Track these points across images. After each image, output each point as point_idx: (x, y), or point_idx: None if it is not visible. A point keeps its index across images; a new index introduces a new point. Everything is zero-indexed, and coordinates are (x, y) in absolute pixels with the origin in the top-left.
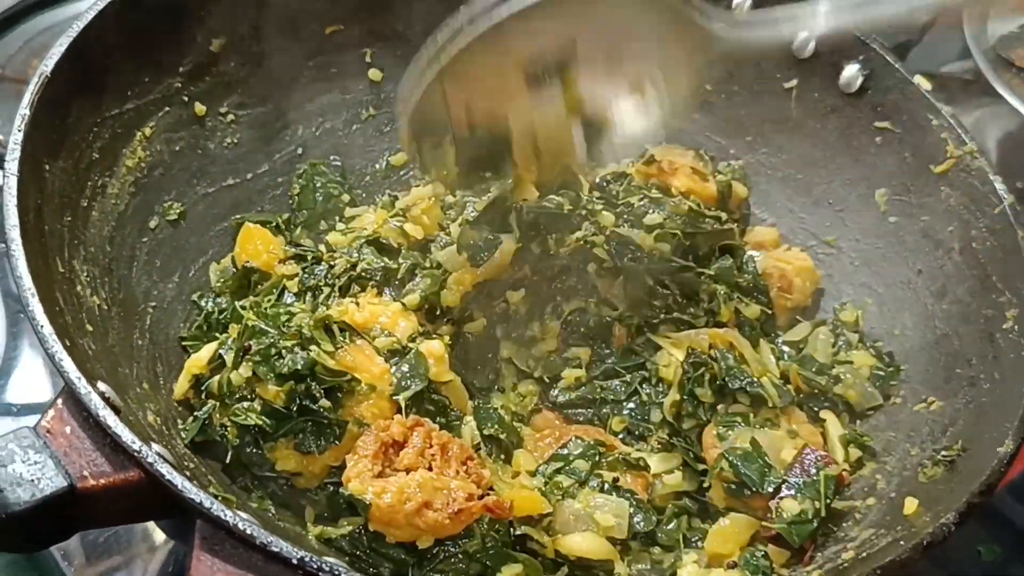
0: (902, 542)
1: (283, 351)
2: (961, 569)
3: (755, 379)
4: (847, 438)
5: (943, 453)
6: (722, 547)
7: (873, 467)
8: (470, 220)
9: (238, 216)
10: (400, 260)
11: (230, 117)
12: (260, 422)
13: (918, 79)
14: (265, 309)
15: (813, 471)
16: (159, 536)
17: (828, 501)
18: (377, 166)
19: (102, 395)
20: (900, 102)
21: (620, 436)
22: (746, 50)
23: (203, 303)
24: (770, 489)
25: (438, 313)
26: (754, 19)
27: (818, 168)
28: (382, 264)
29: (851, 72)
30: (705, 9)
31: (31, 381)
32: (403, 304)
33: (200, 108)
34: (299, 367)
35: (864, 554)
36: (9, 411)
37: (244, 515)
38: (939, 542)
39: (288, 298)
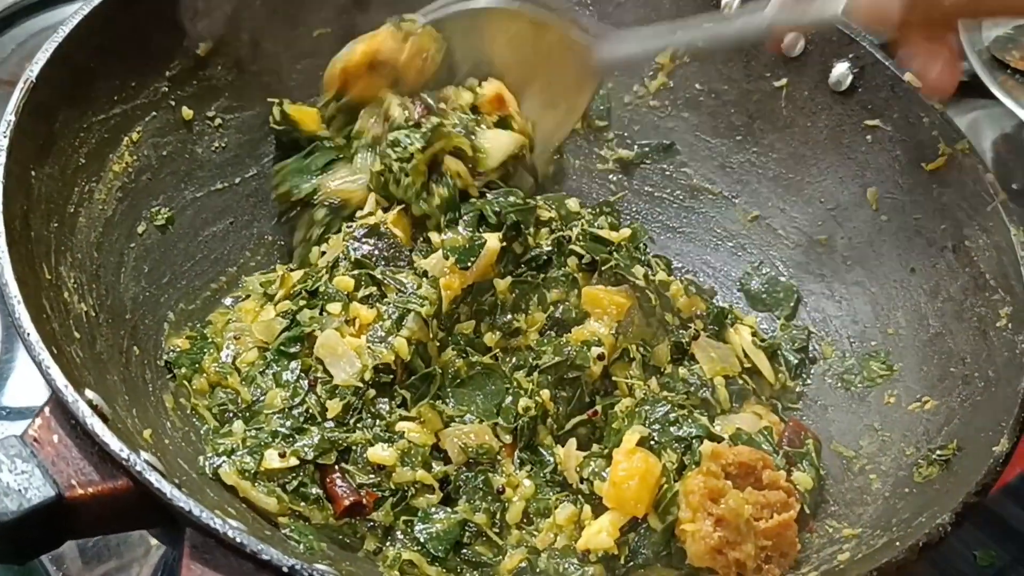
0: (898, 543)
1: None
2: (957, 570)
3: (708, 380)
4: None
5: (938, 452)
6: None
7: (868, 468)
8: (449, 224)
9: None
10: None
11: (218, 121)
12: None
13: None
14: None
15: (799, 443)
16: (155, 541)
17: (821, 467)
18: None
19: (90, 403)
20: (891, 100)
21: None
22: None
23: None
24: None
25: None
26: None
27: (809, 166)
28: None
29: (841, 70)
30: (589, 28)
31: (27, 385)
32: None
33: (187, 112)
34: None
35: (860, 555)
36: (2, 415)
37: (234, 523)
38: (935, 543)
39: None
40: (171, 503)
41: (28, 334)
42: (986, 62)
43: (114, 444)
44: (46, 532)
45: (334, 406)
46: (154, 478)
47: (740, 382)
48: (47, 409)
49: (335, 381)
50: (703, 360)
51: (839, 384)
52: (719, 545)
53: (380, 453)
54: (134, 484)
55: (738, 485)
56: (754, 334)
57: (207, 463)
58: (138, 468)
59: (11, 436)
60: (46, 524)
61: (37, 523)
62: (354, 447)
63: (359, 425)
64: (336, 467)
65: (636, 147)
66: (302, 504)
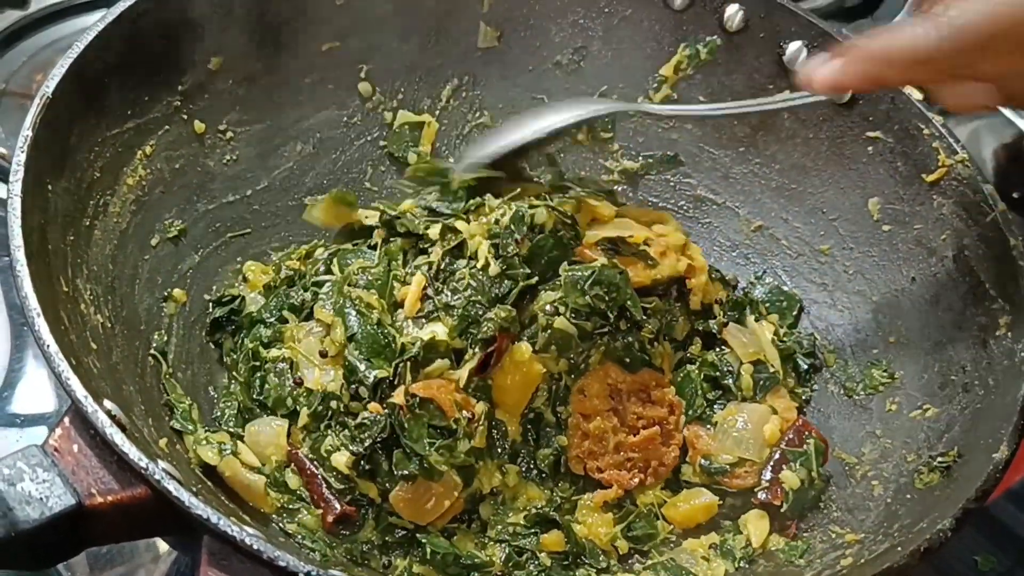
0: (900, 548)
1: None
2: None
3: (736, 367)
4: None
5: (939, 459)
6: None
7: (870, 474)
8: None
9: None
10: None
11: (229, 134)
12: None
13: (908, 88)
14: None
15: (800, 442)
16: (163, 547)
17: (819, 470)
18: (373, 179)
19: (108, 413)
20: (891, 112)
21: None
22: None
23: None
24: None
25: None
26: None
27: (811, 177)
28: None
29: None
30: None
31: (36, 392)
32: None
33: (199, 126)
34: None
35: (862, 560)
36: (14, 422)
37: (250, 530)
38: (936, 548)
39: None
40: (189, 511)
41: (48, 346)
42: None
43: (133, 453)
44: (66, 540)
45: (303, 416)
46: (172, 486)
47: (771, 370)
48: (67, 419)
49: (307, 384)
50: (736, 345)
51: (841, 392)
52: (584, 456)
53: (340, 459)
54: (152, 492)
55: (629, 400)
56: (775, 333)
57: (192, 443)
58: (156, 476)
59: (32, 446)
60: (67, 532)
61: (58, 531)
62: (325, 452)
63: (328, 431)
64: (318, 474)
65: (641, 158)
66: (286, 495)
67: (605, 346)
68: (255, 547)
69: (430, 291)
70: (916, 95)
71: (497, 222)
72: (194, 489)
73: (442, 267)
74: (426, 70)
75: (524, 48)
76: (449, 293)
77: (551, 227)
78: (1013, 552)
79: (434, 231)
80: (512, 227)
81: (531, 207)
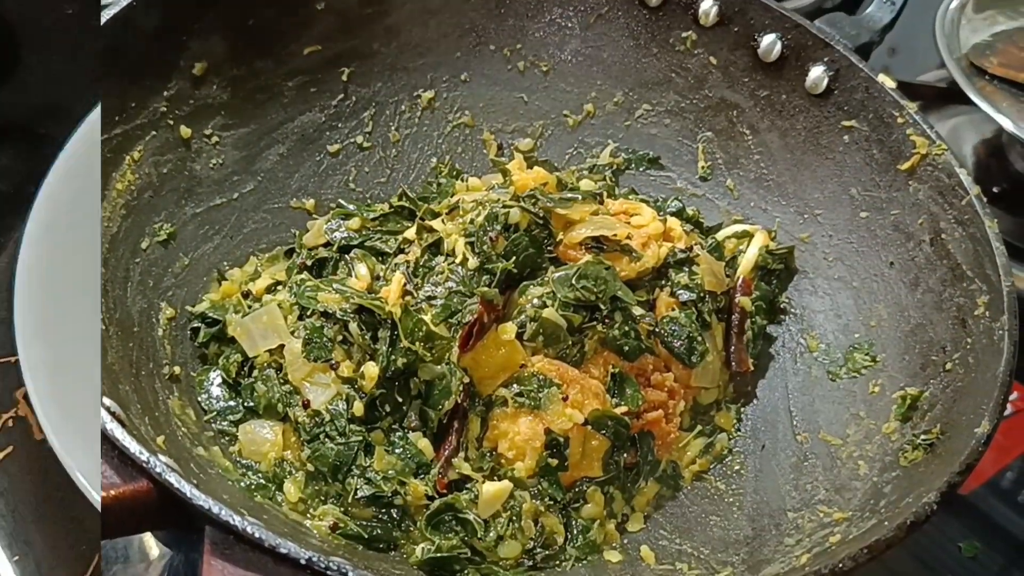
0: (887, 523)
1: None
2: (942, 564)
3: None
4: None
5: (923, 437)
6: None
7: (856, 455)
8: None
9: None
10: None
11: (215, 139)
12: None
13: (882, 78)
14: None
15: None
16: (154, 552)
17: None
18: (357, 180)
19: (108, 409)
20: (865, 101)
21: None
22: None
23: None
24: None
25: None
26: None
27: (789, 168)
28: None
29: (817, 73)
30: None
31: None
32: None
33: (185, 131)
34: None
35: (851, 536)
36: None
37: (252, 519)
38: (922, 521)
39: None
40: (191, 502)
41: None
42: (964, 69)
43: (133, 447)
44: None
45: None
46: (174, 479)
47: None
48: None
49: (313, 405)
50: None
51: (825, 376)
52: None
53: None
54: (154, 486)
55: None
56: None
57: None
58: (158, 470)
59: None
60: None
61: None
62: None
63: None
64: None
65: (621, 153)
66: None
67: (602, 335)
68: (256, 535)
69: (410, 287)
70: (890, 83)
71: (472, 222)
72: (194, 481)
73: (421, 264)
74: (407, 71)
75: (504, 47)
76: (430, 287)
77: (525, 226)
78: (991, 540)
79: (410, 232)
80: (487, 225)
81: (505, 207)
